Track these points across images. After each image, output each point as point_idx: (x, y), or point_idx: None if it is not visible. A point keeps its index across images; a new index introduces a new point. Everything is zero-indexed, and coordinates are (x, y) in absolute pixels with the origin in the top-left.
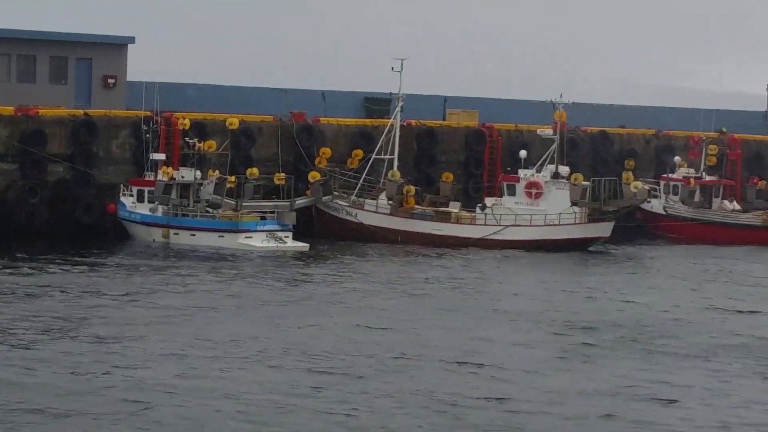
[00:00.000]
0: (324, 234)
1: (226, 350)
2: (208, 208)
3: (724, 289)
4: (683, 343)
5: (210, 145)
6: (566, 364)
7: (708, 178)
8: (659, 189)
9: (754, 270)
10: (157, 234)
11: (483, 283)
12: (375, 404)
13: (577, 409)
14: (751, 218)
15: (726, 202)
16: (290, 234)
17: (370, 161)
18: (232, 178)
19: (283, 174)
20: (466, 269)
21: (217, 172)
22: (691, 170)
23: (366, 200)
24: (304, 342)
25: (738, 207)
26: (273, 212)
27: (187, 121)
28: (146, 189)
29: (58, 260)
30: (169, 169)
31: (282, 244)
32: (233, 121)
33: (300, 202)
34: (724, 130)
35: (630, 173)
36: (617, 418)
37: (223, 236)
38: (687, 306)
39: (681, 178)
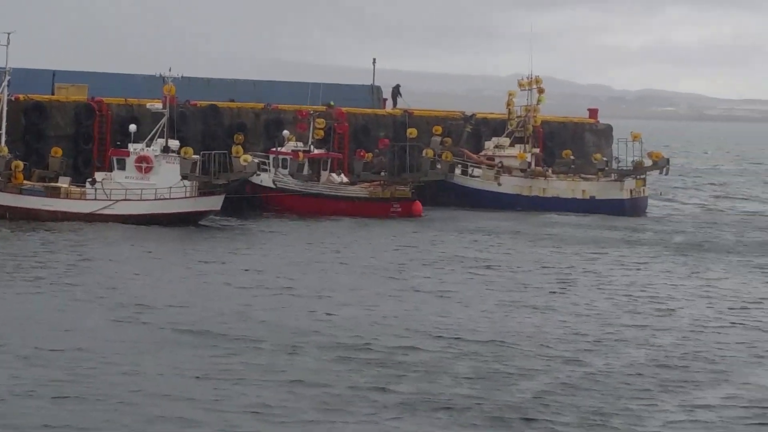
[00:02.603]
0: None
1: None
2: None
3: (322, 267)
4: (247, 326)
5: None
6: (142, 349)
7: (316, 151)
8: (269, 162)
9: (356, 245)
10: None
11: (78, 261)
12: None
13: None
14: (358, 190)
15: (334, 174)
16: None
17: None
18: None
19: None
20: (65, 246)
21: None
22: (300, 144)
23: None
24: None
25: (346, 180)
26: None
27: None
28: None
29: None
30: None
31: None
32: None
33: None
34: (332, 104)
35: (240, 147)
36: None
37: None
38: (274, 287)
39: (290, 151)
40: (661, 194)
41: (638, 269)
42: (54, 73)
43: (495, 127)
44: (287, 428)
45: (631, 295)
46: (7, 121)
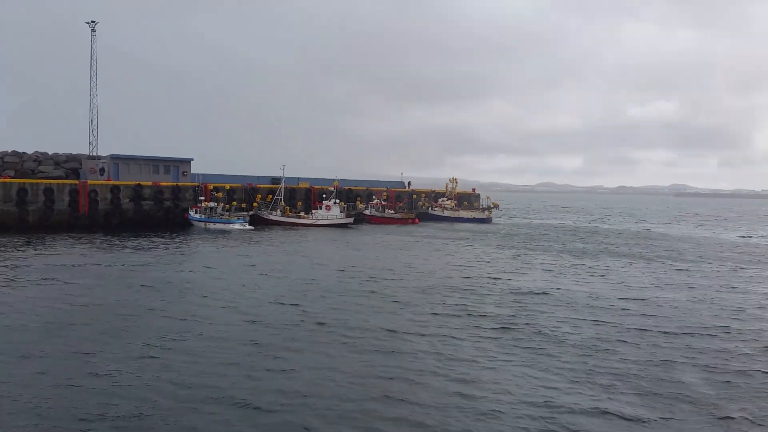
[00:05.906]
0: None
1: None
2: None
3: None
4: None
5: None
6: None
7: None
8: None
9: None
10: None
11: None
12: None
13: None
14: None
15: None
16: None
17: None
18: None
19: None
20: (301, 234)
21: None
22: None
23: None
24: None
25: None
26: None
27: None
28: None
29: None
30: None
31: None
32: None
33: None
34: (409, 182)
35: (358, 201)
36: None
37: None
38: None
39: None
40: None
41: None
42: (298, 179)
43: None
44: None
45: None
46: (282, 194)
